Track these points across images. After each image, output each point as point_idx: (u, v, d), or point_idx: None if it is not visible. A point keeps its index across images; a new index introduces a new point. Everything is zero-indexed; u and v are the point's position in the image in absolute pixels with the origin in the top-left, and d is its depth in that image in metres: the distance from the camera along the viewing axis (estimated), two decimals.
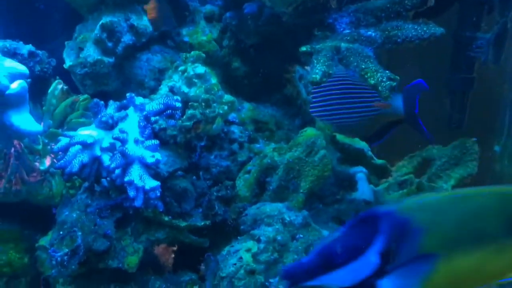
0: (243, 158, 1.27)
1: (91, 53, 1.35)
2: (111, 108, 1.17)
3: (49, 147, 1.25)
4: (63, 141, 1.11)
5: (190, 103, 1.22)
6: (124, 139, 1.08)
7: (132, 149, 1.08)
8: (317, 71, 1.07)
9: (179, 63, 1.32)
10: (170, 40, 1.43)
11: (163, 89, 1.30)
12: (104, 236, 1.10)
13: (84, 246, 1.08)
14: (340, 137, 1.37)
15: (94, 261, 1.10)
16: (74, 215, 1.12)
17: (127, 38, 1.36)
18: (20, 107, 1.15)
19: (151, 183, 1.07)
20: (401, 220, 0.65)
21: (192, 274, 1.17)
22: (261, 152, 1.27)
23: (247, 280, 1.02)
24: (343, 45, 1.13)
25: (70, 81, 1.39)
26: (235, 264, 1.04)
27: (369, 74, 1.05)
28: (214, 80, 1.28)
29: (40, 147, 1.25)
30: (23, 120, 1.16)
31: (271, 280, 1.02)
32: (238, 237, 1.12)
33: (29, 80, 1.17)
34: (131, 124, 1.13)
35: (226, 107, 1.23)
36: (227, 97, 1.25)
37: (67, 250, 1.08)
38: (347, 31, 1.20)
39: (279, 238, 1.06)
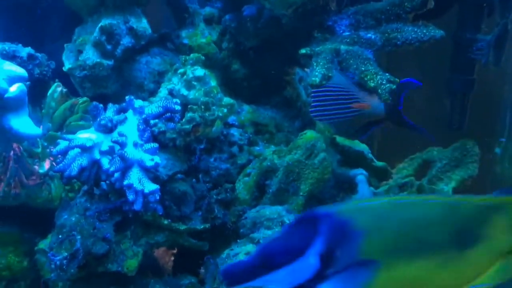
0: (242, 161, 1.27)
1: (90, 55, 1.35)
2: (110, 111, 1.17)
3: (48, 150, 1.25)
4: (62, 144, 1.11)
5: (189, 106, 1.21)
6: (123, 142, 1.08)
7: (131, 152, 1.07)
8: (316, 73, 1.06)
9: (178, 65, 1.32)
10: (170, 43, 1.43)
11: (163, 91, 1.30)
12: (103, 240, 1.09)
13: (83, 249, 1.08)
14: (340, 139, 1.36)
15: (93, 265, 1.10)
16: (73, 219, 1.12)
17: (126, 41, 1.36)
18: (19, 110, 1.14)
19: (150, 186, 1.06)
20: (341, 222, 0.63)
21: (191, 278, 1.17)
22: (260, 154, 1.27)
23: None
24: (343, 47, 1.13)
25: (69, 83, 1.38)
26: None
27: (368, 77, 1.05)
28: (213, 83, 1.27)
29: (39, 150, 1.25)
30: (22, 123, 1.15)
31: None
32: (238, 240, 1.12)
33: (28, 83, 1.17)
34: (130, 127, 1.13)
35: (225, 110, 1.23)
36: (227, 100, 1.24)
37: (66, 254, 1.08)
38: (347, 33, 1.19)
39: None
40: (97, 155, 1.10)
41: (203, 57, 1.31)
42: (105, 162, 1.09)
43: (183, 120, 1.20)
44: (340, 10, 1.23)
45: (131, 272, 1.12)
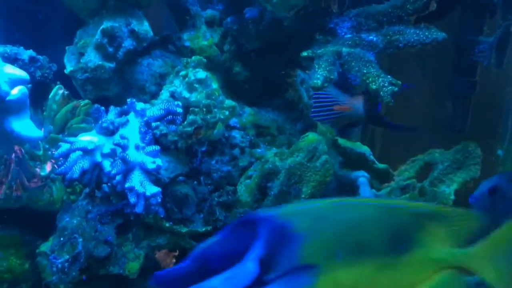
0: (244, 163, 1.26)
1: (92, 58, 1.35)
2: (112, 114, 1.17)
3: (49, 152, 1.25)
4: (64, 147, 1.11)
5: (191, 109, 1.21)
6: (124, 145, 1.08)
7: (133, 155, 1.07)
8: (318, 76, 1.06)
9: (180, 68, 1.32)
10: (171, 45, 1.43)
11: (164, 94, 1.30)
12: (105, 242, 1.09)
13: (85, 252, 1.08)
14: (342, 141, 1.36)
15: (95, 268, 1.10)
16: (75, 221, 1.12)
17: (128, 43, 1.36)
18: (21, 113, 1.14)
19: (152, 189, 1.06)
20: (280, 225, 0.62)
21: None
22: (262, 157, 1.26)
23: None
24: (345, 49, 1.12)
25: (71, 86, 1.38)
26: None
27: (370, 79, 1.05)
28: (215, 85, 1.27)
29: (40, 152, 1.25)
30: (24, 126, 1.15)
31: None
32: None
33: (29, 85, 1.17)
34: (132, 130, 1.13)
35: (227, 112, 1.22)
36: (228, 102, 1.24)
37: (68, 256, 1.08)
38: (349, 35, 1.19)
39: None
40: (98, 158, 1.10)
41: (204, 60, 1.31)
42: (106, 164, 1.09)
43: (185, 122, 1.20)
44: (341, 12, 1.23)
45: (132, 275, 1.12)
